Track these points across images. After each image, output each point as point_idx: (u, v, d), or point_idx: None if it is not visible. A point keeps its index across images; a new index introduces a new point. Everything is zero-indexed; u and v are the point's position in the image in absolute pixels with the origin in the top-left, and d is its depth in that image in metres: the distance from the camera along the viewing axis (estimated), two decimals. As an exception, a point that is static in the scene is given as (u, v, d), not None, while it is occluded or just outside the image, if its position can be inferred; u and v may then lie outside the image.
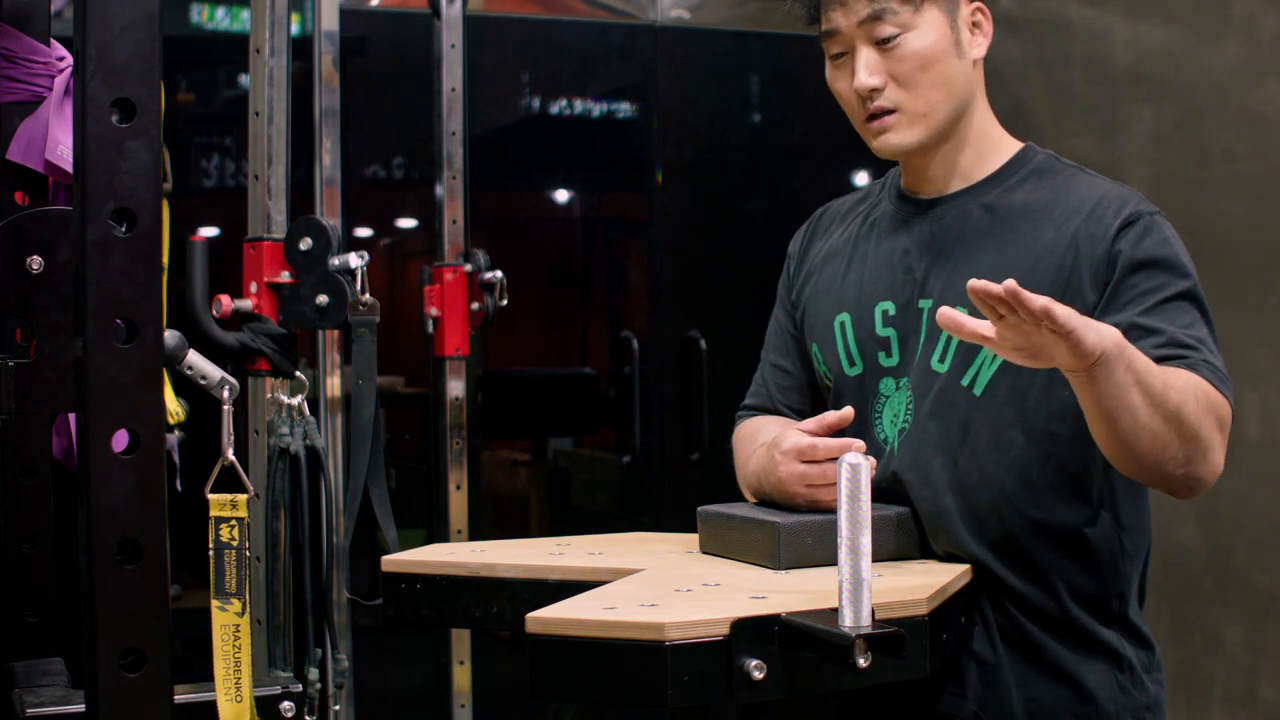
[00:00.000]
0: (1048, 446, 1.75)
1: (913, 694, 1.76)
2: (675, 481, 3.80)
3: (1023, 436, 1.75)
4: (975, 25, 1.84)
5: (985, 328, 1.52)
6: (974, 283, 1.48)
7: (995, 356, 1.75)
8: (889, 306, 1.85)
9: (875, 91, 1.79)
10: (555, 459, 4.03)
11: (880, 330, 1.85)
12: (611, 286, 4.13)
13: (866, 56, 1.79)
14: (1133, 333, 1.67)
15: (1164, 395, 1.58)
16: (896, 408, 1.83)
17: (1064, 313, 1.48)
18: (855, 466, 1.34)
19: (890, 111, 1.80)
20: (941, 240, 1.84)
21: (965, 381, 1.78)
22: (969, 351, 1.77)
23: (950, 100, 1.81)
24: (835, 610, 1.35)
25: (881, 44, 1.78)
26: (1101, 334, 1.53)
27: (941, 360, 1.79)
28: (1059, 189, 1.82)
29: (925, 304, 1.82)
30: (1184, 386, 1.62)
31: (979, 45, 1.84)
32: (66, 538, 1.29)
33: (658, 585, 1.59)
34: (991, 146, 1.87)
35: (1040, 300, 1.47)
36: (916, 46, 1.78)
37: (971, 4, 1.84)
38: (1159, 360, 1.65)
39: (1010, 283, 1.46)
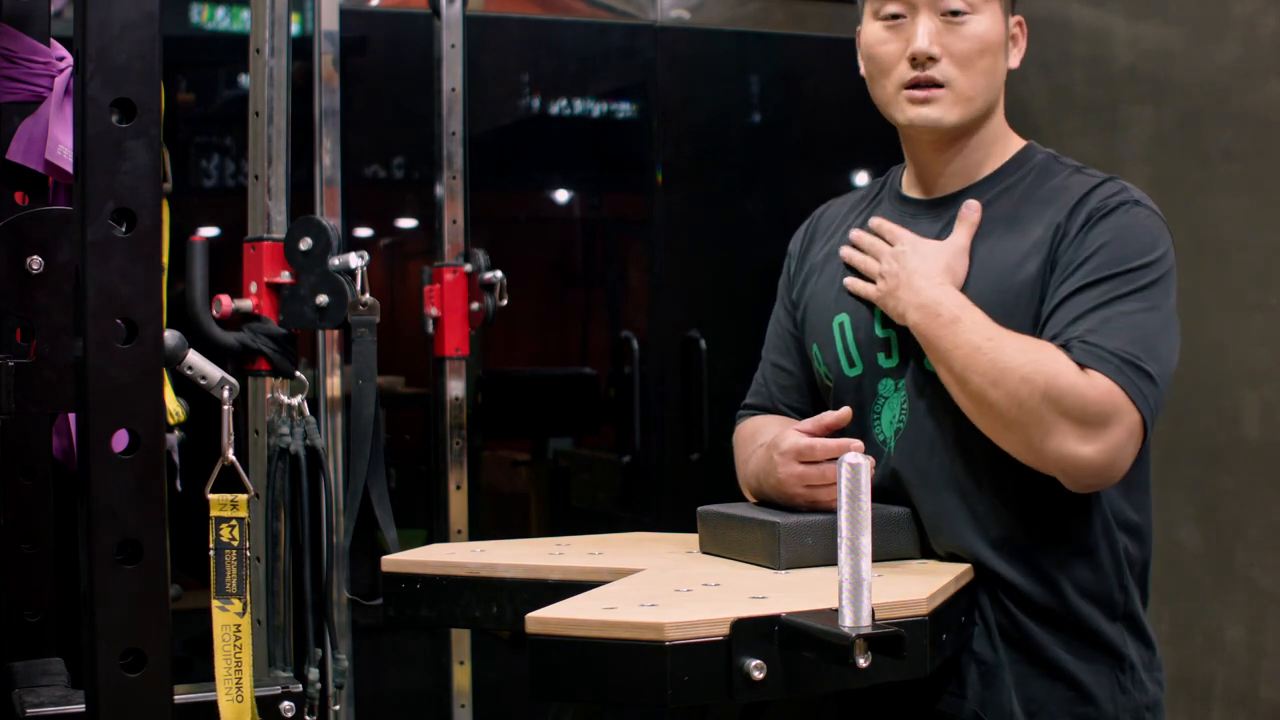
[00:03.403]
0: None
1: (913, 694, 1.76)
2: (675, 481, 3.80)
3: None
4: (1013, 38, 1.86)
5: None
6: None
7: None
8: (889, 307, 1.85)
9: (931, 61, 1.79)
10: (555, 459, 4.02)
11: (880, 331, 1.85)
12: (611, 286, 4.13)
13: (931, 24, 1.79)
14: (1056, 312, 1.72)
15: (964, 377, 1.70)
16: (895, 408, 1.83)
17: (859, 288, 1.84)
18: (855, 466, 1.34)
19: (938, 85, 1.80)
20: (940, 240, 1.84)
21: (962, 381, 1.78)
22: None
23: (990, 94, 1.82)
24: (835, 610, 1.35)
25: (948, 16, 1.78)
26: (906, 314, 1.76)
27: (937, 360, 1.79)
28: (1055, 190, 1.82)
29: (925, 304, 1.82)
30: (1003, 368, 1.66)
31: (1014, 56, 1.87)
32: (66, 538, 1.29)
33: (658, 585, 1.59)
34: (1001, 150, 1.88)
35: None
36: (980, 30, 1.79)
37: (1015, 16, 1.86)
38: (1056, 335, 1.69)
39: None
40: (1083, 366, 1.66)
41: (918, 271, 1.77)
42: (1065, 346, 1.68)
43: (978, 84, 1.80)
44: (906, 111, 1.82)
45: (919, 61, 1.79)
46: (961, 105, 1.81)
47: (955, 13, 1.78)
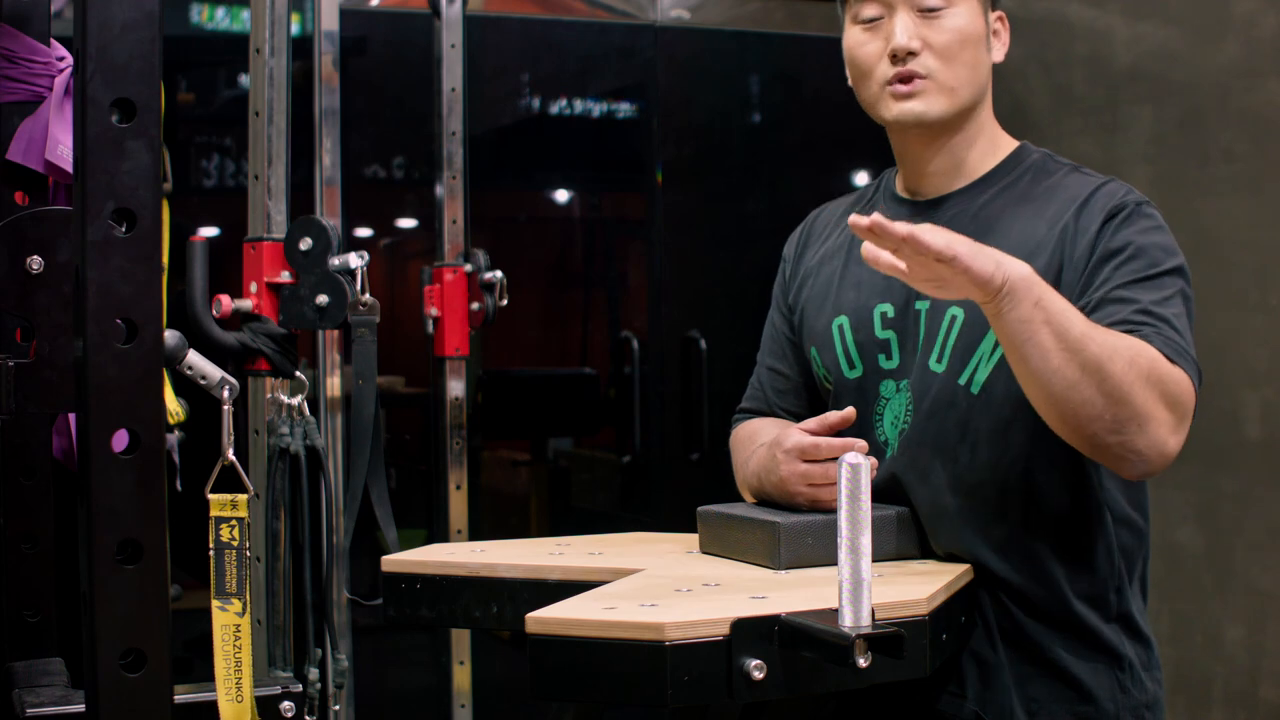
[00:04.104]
0: (1045, 442, 1.74)
1: (913, 694, 1.76)
2: (675, 481, 3.80)
3: (1021, 433, 1.75)
4: (995, 32, 1.87)
5: (900, 262, 1.56)
6: (853, 219, 1.54)
7: (992, 355, 1.75)
8: (888, 309, 1.85)
9: (911, 55, 1.80)
10: (555, 459, 4.02)
11: (880, 333, 1.85)
12: (611, 286, 4.13)
13: (909, 20, 1.80)
14: (1105, 306, 1.69)
15: (1082, 343, 1.58)
16: (897, 410, 1.83)
17: (942, 240, 1.51)
18: (855, 466, 1.34)
19: (921, 78, 1.80)
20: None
21: (963, 380, 1.78)
22: (965, 351, 1.77)
23: (973, 87, 1.83)
24: (835, 610, 1.35)
25: (924, 13, 1.80)
26: (1003, 264, 1.55)
27: (939, 360, 1.79)
28: (1053, 189, 1.82)
29: (922, 305, 1.82)
30: (1115, 344, 1.61)
31: (998, 50, 1.88)
32: (66, 538, 1.29)
33: (658, 585, 1.59)
34: (991, 147, 1.88)
35: (902, 228, 1.50)
36: (958, 23, 1.80)
37: (995, 11, 1.87)
38: (1117, 325, 1.65)
39: (875, 217, 1.52)
40: (1169, 359, 1.65)
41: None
42: (1142, 337, 1.66)
43: (960, 75, 1.81)
44: (891, 108, 1.82)
45: (899, 57, 1.80)
46: (945, 96, 1.81)
47: (932, 9, 1.79)
